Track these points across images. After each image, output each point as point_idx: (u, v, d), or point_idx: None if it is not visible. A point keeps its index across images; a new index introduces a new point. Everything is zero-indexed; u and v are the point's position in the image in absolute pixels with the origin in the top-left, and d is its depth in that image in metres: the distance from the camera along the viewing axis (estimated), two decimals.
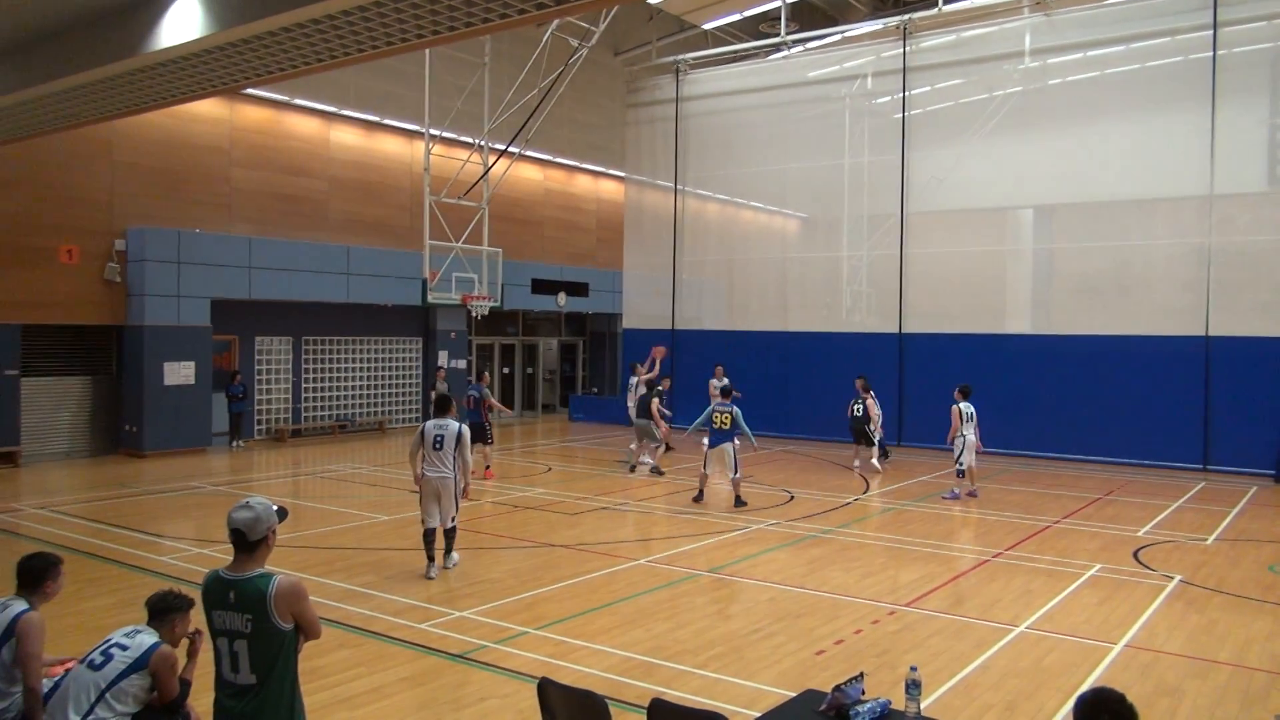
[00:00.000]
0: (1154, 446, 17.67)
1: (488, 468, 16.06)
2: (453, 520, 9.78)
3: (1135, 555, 10.73)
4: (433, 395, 12.75)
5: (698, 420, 14.07)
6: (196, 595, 4.34)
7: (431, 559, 9.65)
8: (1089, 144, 18.63)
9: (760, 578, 9.68)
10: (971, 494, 14.38)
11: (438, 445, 9.65)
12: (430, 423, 9.84)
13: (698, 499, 13.72)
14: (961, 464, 14.20)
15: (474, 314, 20.33)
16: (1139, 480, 16.38)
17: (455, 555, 10.01)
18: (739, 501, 13.36)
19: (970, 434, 14.25)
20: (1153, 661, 7.24)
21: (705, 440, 13.71)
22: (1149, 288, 18.27)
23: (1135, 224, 18.48)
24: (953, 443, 14.30)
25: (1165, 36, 17.97)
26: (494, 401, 16.92)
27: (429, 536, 9.64)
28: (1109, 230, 18.66)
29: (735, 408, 13.52)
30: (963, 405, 14.34)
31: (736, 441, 13.45)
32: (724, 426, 13.39)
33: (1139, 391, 17.88)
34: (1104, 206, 18.68)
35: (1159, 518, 13.05)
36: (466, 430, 9.87)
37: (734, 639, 7.69)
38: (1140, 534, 11.95)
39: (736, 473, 13.37)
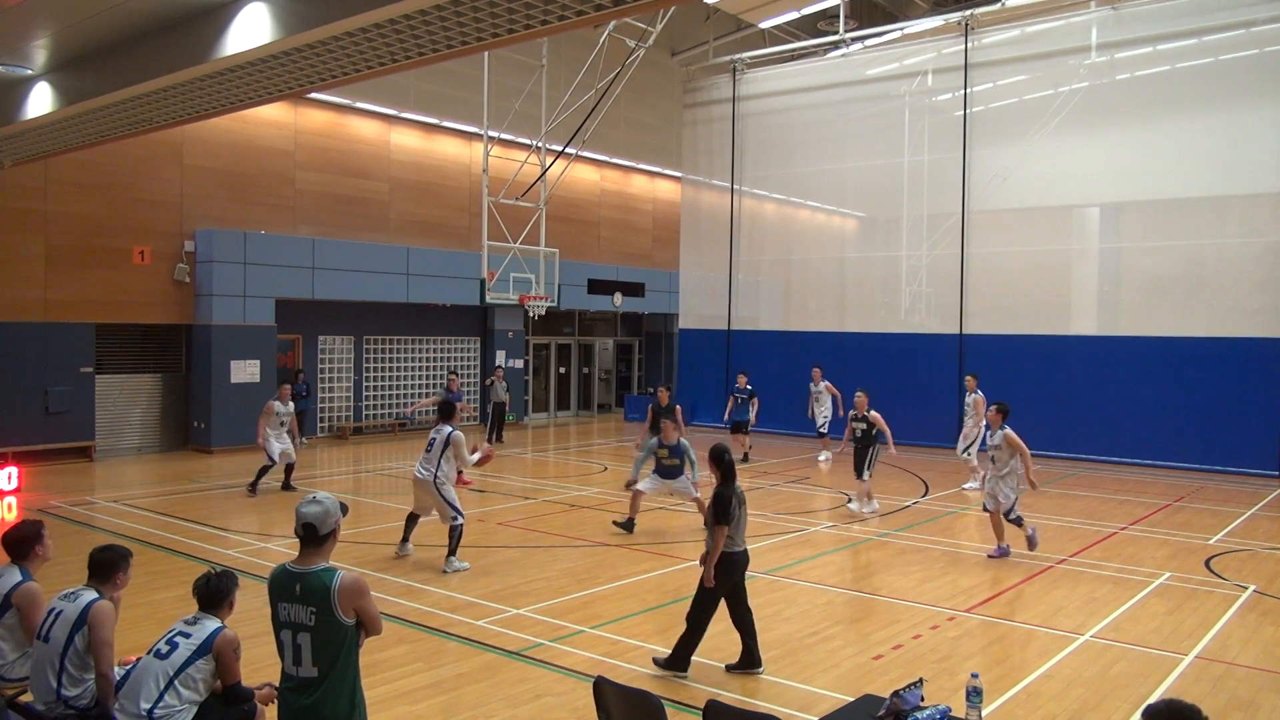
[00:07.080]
0: (1227, 452, 17.13)
1: (460, 473, 13.68)
2: (452, 521, 9.81)
3: (1207, 564, 10.41)
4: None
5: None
6: (247, 583, 4.43)
7: (405, 539, 10.41)
8: (1159, 140, 18.15)
9: (816, 581, 9.59)
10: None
11: (429, 447, 10.15)
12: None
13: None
14: None
15: (531, 314, 20.47)
16: (1210, 487, 15.89)
17: (454, 561, 9.75)
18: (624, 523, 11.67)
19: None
20: (1225, 674, 7.02)
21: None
22: (1222, 288, 17.71)
23: (1208, 222, 17.91)
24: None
25: (1239, 29, 17.41)
26: (468, 408, 14.46)
27: (410, 519, 10.47)
28: (1180, 229, 18.13)
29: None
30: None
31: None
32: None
33: (1211, 395, 17.34)
34: (1174, 204, 18.17)
35: (1232, 525, 12.65)
36: (459, 435, 10.11)
37: (790, 642, 7.63)
38: (1212, 542, 11.59)
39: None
